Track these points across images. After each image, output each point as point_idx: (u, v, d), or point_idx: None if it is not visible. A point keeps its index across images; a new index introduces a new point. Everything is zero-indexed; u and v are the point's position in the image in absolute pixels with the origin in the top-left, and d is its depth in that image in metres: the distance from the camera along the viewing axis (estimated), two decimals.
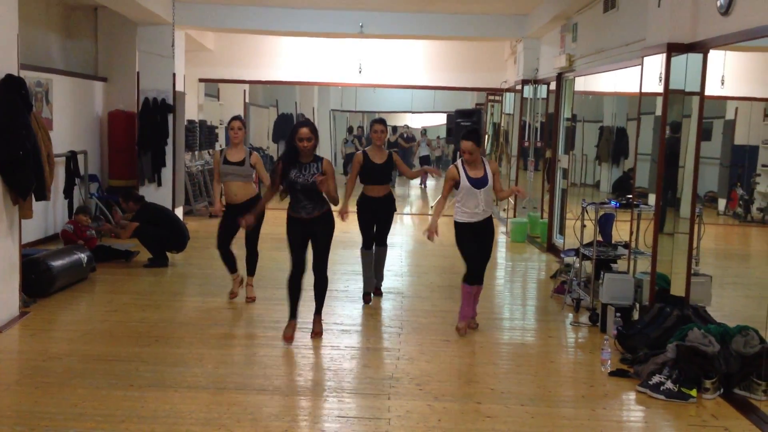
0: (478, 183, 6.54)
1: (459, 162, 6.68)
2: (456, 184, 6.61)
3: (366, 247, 7.81)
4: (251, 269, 7.67)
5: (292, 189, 6.13)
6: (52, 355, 5.86)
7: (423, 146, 23.94)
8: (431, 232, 6.63)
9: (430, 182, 22.20)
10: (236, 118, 7.67)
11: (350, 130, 25.99)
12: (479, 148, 6.58)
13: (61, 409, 4.70)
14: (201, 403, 4.89)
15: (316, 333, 6.42)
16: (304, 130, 6.04)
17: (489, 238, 6.71)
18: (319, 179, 6.02)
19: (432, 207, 15.66)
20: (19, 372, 5.56)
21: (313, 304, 6.48)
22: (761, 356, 5.28)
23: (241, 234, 7.44)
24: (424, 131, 24.98)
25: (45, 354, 5.89)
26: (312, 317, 6.50)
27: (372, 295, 7.85)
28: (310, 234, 6.25)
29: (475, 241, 6.63)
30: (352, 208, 7.73)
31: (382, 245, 7.86)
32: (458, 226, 6.67)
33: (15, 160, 6.29)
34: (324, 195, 6.19)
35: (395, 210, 7.90)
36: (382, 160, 7.64)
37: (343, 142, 24.08)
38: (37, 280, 7.34)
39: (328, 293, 6.98)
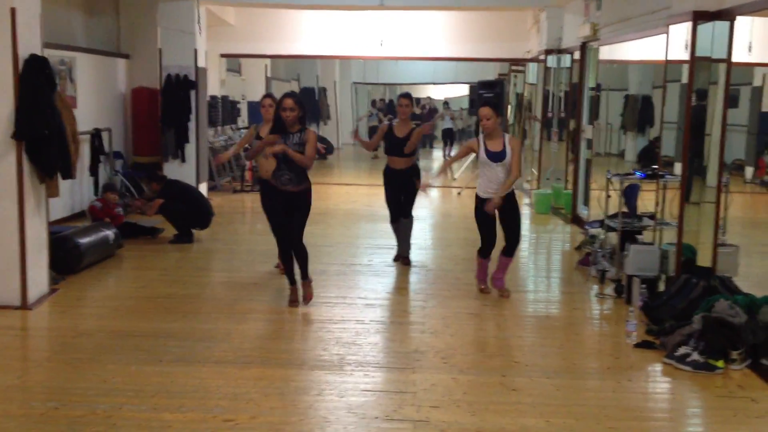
0: (495, 157, 6.61)
1: (481, 135, 6.78)
2: (475, 156, 6.78)
3: (392, 220, 8.08)
4: None
5: (275, 156, 6.28)
6: (81, 331, 5.95)
7: (446, 119, 23.74)
8: (424, 186, 7.28)
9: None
10: (268, 95, 7.70)
11: (373, 103, 25.90)
12: (498, 116, 6.66)
13: (91, 385, 4.78)
14: (229, 378, 4.95)
15: (306, 298, 6.56)
16: (288, 101, 6.26)
17: (511, 214, 6.79)
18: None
19: (454, 178, 15.63)
20: (50, 349, 5.66)
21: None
22: None
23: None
24: (446, 103, 24.79)
25: (75, 330, 5.98)
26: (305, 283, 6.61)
27: (402, 258, 8.19)
28: (288, 208, 6.39)
29: (491, 217, 6.73)
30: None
31: (407, 216, 8.00)
32: (477, 199, 6.79)
33: (40, 139, 6.34)
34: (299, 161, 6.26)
35: (416, 180, 7.94)
36: (403, 134, 7.79)
37: (366, 115, 24.04)
38: (66, 258, 7.43)
39: (351, 267, 7.04)
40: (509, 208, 6.77)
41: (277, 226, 6.51)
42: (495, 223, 6.81)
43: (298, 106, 6.24)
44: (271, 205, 6.48)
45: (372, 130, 23.38)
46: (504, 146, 6.63)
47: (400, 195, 7.96)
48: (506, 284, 7.02)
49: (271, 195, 6.44)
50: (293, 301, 6.55)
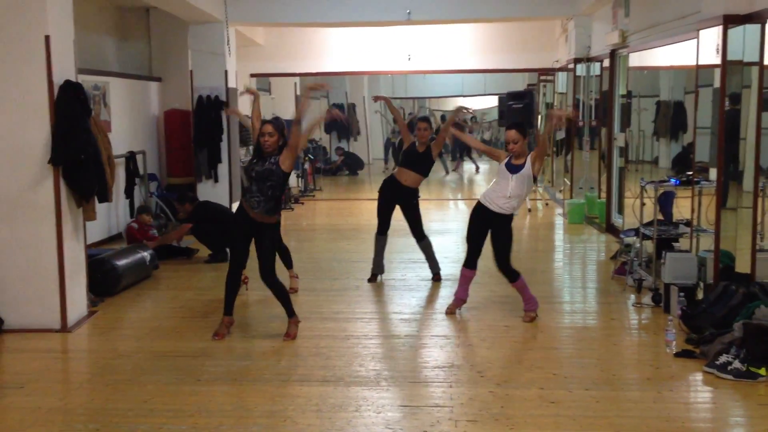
0: (514, 169, 6.43)
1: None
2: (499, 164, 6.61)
3: (379, 232, 8.00)
4: (288, 263, 7.73)
5: (248, 176, 6.18)
6: (120, 352, 6.02)
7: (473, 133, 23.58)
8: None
9: (483, 166, 21.98)
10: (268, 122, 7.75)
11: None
12: (525, 138, 6.46)
13: (131, 406, 4.83)
14: (266, 396, 4.97)
15: (288, 334, 6.19)
16: (267, 127, 6.07)
17: (501, 233, 6.52)
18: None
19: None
20: (90, 370, 5.73)
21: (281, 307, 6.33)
22: None
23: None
24: (474, 117, 24.64)
25: (114, 352, 6.06)
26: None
27: (379, 277, 8.09)
28: (255, 236, 6.15)
29: (482, 229, 6.58)
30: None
31: (422, 239, 8.00)
32: (477, 205, 6.65)
33: (77, 163, 6.46)
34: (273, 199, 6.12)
35: (418, 203, 7.96)
36: (422, 149, 7.78)
37: (390, 132, 24.05)
38: (103, 280, 7.54)
39: (385, 282, 6.95)
40: (500, 227, 6.51)
41: (234, 247, 6.31)
42: (483, 236, 6.63)
43: (278, 132, 6.07)
44: (237, 225, 6.24)
45: (387, 144, 23.41)
46: (525, 164, 6.43)
47: (391, 209, 7.92)
48: (535, 303, 6.67)
49: (240, 214, 6.22)
50: (217, 334, 6.19)
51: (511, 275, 6.60)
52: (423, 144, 7.79)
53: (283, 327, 6.45)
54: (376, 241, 8.06)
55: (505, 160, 6.53)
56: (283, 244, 7.72)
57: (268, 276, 6.16)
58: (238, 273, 6.29)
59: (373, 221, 8.16)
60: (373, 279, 8.09)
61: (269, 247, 6.18)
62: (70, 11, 6.72)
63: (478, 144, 7.26)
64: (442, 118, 24.12)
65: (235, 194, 12.41)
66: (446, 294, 7.62)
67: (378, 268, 8.10)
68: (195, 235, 9.38)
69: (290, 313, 6.24)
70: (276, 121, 6.30)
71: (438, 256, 8.19)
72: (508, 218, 6.54)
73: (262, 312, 7.08)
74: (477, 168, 21.89)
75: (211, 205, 9.92)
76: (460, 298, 6.83)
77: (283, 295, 6.23)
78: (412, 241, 8.15)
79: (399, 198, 7.89)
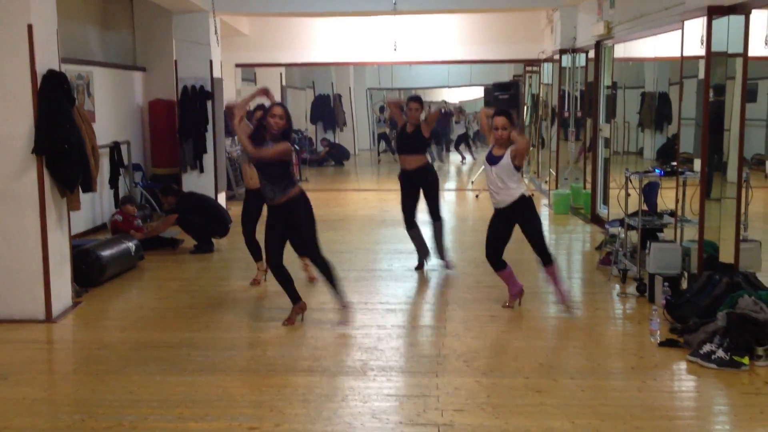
0: (493, 160, 6.34)
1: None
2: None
3: (407, 227, 7.95)
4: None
5: (257, 166, 6.17)
6: (105, 343, 6.00)
7: (460, 124, 23.51)
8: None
9: (469, 158, 22.02)
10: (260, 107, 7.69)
11: (381, 109, 25.87)
12: (513, 127, 6.33)
13: (117, 396, 4.81)
14: (252, 386, 4.97)
15: (342, 322, 6.27)
16: (278, 109, 6.08)
17: (525, 221, 6.42)
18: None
19: (471, 181, 15.62)
20: (75, 361, 5.71)
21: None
22: None
23: (262, 220, 7.48)
24: (459, 108, 24.64)
25: (99, 342, 6.03)
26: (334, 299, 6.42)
27: (425, 263, 8.12)
28: (289, 218, 6.12)
29: (498, 228, 6.48)
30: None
31: (437, 220, 7.95)
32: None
33: (60, 153, 6.41)
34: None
35: (435, 182, 7.93)
36: (411, 129, 7.74)
37: (375, 121, 24.00)
38: (88, 270, 7.50)
39: (371, 272, 6.94)
40: (518, 215, 6.40)
41: (269, 239, 6.21)
42: (502, 236, 6.53)
43: (287, 118, 6.07)
44: (270, 220, 6.21)
45: (380, 137, 23.38)
46: (505, 154, 6.30)
47: (414, 199, 7.87)
48: (566, 292, 6.63)
49: (269, 212, 6.21)
50: (289, 320, 6.24)
51: (547, 257, 6.51)
52: (413, 124, 7.74)
53: (268, 316, 6.46)
54: (411, 237, 8.03)
55: (487, 151, 6.48)
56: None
57: (317, 254, 6.21)
58: (281, 266, 6.22)
59: (360, 212, 8.20)
60: (420, 267, 8.09)
61: (306, 219, 6.16)
62: (53, 0, 6.65)
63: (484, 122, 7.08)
64: (459, 108, 24.13)
65: (220, 185, 12.38)
66: (432, 284, 7.65)
67: (423, 253, 8.07)
68: (180, 225, 9.35)
69: (338, 295, 6.32)
70: (284, 106, 6.27)
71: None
72: (524, 202, 6.37)
73: (249, 302, 7.07)
74: (463, 159, 21.89)
75: (195, 195, 9.90)
76: (518, 290, 6.70)
77: (329, 273, 6.26)
78: (399, 231, 8.16)
79: (417, 184, 7.83)
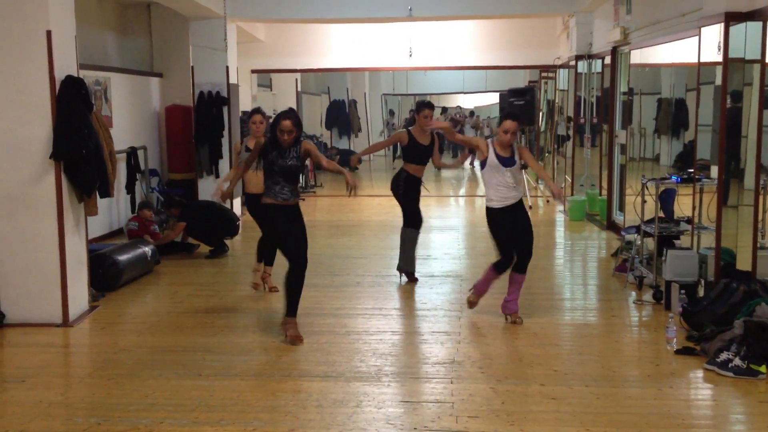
0: (507, 162, 6.32)
1: (490, 141, 6.47)
2: (482, 161, 6.42)
3: (415, 226, 7.91)
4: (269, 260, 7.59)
5: (271, 171, 6.01)
6: (122, 347, 6.03)
7: (467, 128, 23.43)
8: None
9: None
10: (257, 111, 7.67)
11: (392, 113, 25.87)
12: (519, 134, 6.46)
13: (132, 400, 4.84)
14: (267, 391, 4.98)
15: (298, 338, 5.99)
16: (287, 123, 5.89)
17: (527, 219, 6.45)
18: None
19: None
20: (92, 365, 5.74)
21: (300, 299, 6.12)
22: None
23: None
24: (471, 113, 24.61)
25: (115, 346, 6.07)
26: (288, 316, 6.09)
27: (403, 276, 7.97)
28: (296, 221, 6.10)
29: (511, 227, 6.40)
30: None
31: (420, 225, 7.96)
32: (492, 212, 6.43)
33: (78, 158, 6.46)
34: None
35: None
36: (427, 142, 7.69)
37: (384, 124, 24.03)
38: (105, 275, 7.54)
39: (386, 278, 6.91)
40: (523, 212, 6.45)
41: (296, 238, 6.03)
42: (513, 231, 6.41)
43: (296, 128, 5.95)
44: (278, 222, 6.07)
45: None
46: (513, 153, 6.35)
47: (418, 200, 7.90)
48: (519, 304, 6.52)
49: (274, 212, 6.05)
50: (295, 337, 5.96)
51: (526, 265, 6.50)
52: (424, 133, 7.65)
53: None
54: (411, 236, 7.90)
55: (492, 153, 6.34)
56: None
57: (305, 256, 6.07)
58: (304, 271, 6.04)
59: (375, 217, 8.17)
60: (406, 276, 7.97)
61: (304, 225, 6.16)
62: (72, 6, 6.72)
63: (456, 136, 7.18)
64: (471, 113, 24.06)
65: (236, 189, 12.40)
66: (446, 290, 7.64)
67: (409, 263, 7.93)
68: (189, 234, 9.46)
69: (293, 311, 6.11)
70: (294, 116, 6.08)
71: (439, 252, 8.19)
72: (521, 202, 6.46)
73: (263, 307, 7.08)
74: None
75: (197, 202, 10.08)
76: (482, 291, 6.72)
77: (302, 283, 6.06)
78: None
79: (418, 189, 7.88)
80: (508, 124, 6.32)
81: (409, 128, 7.87)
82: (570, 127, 13.86)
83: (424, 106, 7.77)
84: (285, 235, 6.05)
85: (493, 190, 6.40)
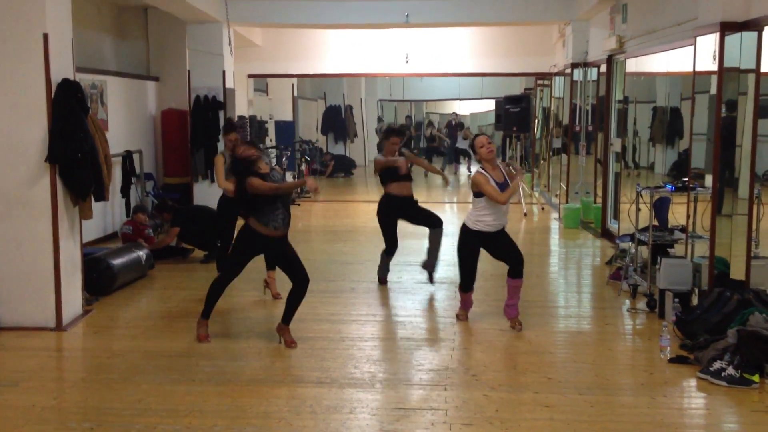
0: (503, 187, 6.31)
1: (482, 170, 6.37)
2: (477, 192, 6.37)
3: (389, 252, 7.88)
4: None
5: (272, 198, 5.81)
6: (115, 351, 6.02)
7: (459, 138, 23.36)
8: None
9: (463, 169, 22.00)
10: (232, 128, 7.86)
11: (379, 119, 25.84)
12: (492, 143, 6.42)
13: (126, 405, 4.83)
14: (261, 397, 4.98)
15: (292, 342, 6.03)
16: (251, 151, 5.85)
17: (509, 238, 6.49)
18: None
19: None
20: (85, 369, 5.73)
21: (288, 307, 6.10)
22: None
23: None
24: (461, 124, 24.44)
25: (109, 351, 6.05)
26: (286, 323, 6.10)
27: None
28: (284, 250, 6.00)
29: (492, 248, 6.46)
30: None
31: (439, 227, 7.84)
32: (473, 234, 6.40)
33: (74, 162, 6.45)
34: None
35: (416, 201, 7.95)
36: (405, 171, 7.71)
37: (375, 131, 24.01)
38: (99, 279, 7.53)
39: (380, 284, 6.88)
40: (504, 233, 6.45)
41: (237, 263, 6.09)
42: (498, 253, 6.52)
43: (249, 144, 5.95)
44: (258, 248, 6.06)
45: (380, 147, 23.26)
46: (503, 174, 6.36)
47: (398, 222, 7.78)
48: (519, 309, 6.53)
49: (263, 241, 5.91)
50: (204, 337, 6.10)
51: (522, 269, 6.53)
52: (395, 159, 7.63)
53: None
54: (384, 259, 7.93)
55: (492, 182, 6.25)
56: None
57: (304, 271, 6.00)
58: (227, 284, 6.16)
59: (370, 223, 8.18)
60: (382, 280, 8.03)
61: (293, 250, 6.07)
62: (69, 9, 6.71)
63: (422, 162, 7.31)
64: (460, 124, 24.05)
65: None
66: (441, 297, 7.64)
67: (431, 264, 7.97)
68: (182, 239, 9.45)
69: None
70: (253, 142, 6.09)
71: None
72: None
73: (258, 312, 7.08)
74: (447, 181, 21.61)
75: (188, 207, 10.08)
76: (468, 308, 6.79)
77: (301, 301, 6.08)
78: (409, 243, 8.17)
79: (407, 209, 7.77)
80: (480, 139, 6.40)
81: (379, 154, 7.82)
82: (562, 139, 13.92)
83: (392, 133, 7.73)
84: (238, 260, 6.08)
85: (487, 213, 6.33)
